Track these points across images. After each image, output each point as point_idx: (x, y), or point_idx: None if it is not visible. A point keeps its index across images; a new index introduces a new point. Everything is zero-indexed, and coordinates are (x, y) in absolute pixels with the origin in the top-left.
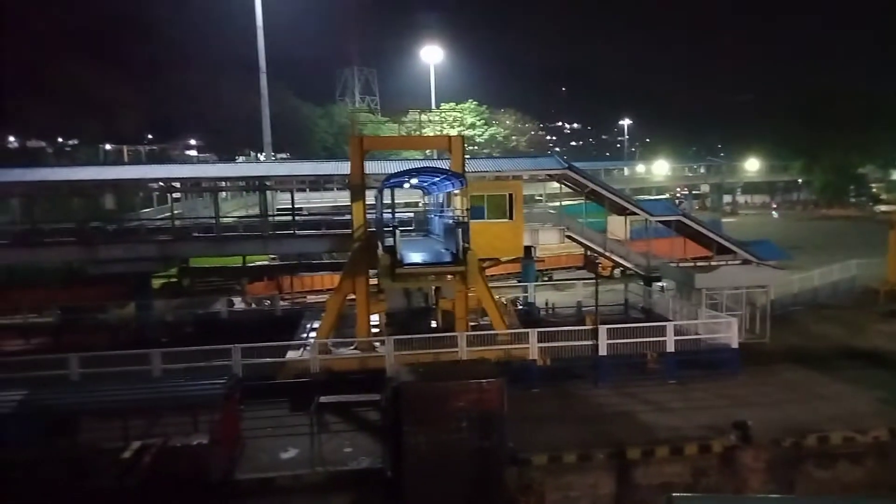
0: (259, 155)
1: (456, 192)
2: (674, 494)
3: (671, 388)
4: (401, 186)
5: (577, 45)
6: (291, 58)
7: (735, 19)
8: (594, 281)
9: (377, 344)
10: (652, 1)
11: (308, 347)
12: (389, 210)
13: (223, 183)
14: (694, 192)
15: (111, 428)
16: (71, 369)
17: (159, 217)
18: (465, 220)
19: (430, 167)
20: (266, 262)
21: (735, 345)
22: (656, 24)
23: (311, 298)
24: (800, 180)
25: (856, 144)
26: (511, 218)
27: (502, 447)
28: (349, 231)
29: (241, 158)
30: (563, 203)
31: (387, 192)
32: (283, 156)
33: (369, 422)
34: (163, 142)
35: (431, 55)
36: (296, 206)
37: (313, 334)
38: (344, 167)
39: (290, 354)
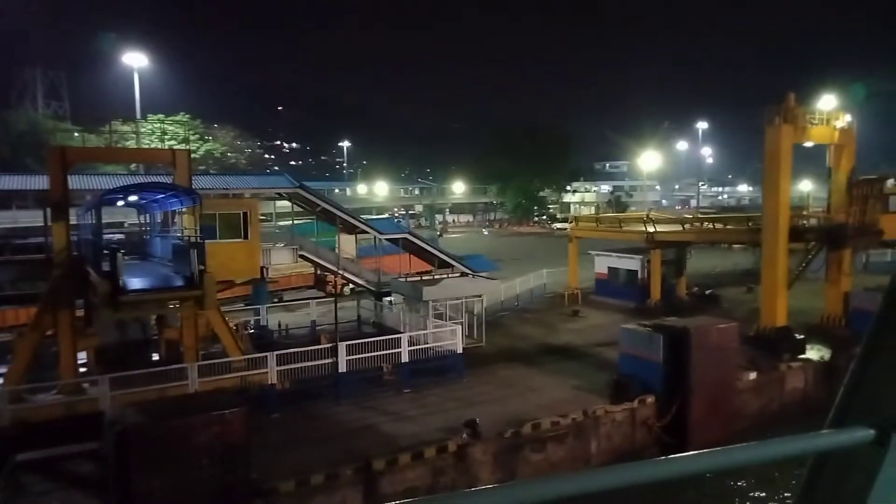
0: None
1: (183, 210)
2: None
3: (407, 397)
4: (113, 204)
5: (294, 66)
6: None
7: (441, 51)
8: (332, 299)
9: (86, 385)
10: (377, 28)
11: None
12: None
13: None
14: (410, 211)
15: None
16: None
17: None
18: (200, 240)
19: (157, 182)
20: None
21: (460, 350)
22: (379, 51)
23: None
24: (494, 202)
25: (537, 172)
26: (246, 237)
27: (247, 480)
28: (42, 256)
29: None
30: (294, 223)
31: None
32: None
33: (83, 476)
34: None
35: (134, 60)
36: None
37: None
38: (36, 181)
39: None
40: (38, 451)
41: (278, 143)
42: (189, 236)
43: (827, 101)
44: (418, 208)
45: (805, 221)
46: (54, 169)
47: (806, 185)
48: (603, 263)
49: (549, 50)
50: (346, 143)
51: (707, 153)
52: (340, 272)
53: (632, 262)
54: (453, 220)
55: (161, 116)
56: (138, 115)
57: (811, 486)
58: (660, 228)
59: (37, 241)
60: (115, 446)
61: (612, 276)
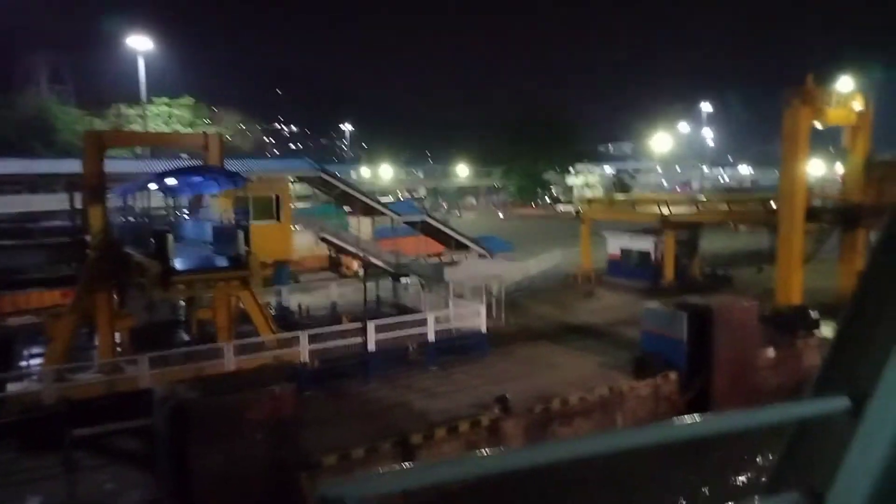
0: None
1: (216, 193)
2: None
3: (434, 375)
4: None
5: (293, 48)
6: None
7: (440, 34)
8: (350, 281)
9: (124, 364)
10: (376, 10)
11: (35, 377)
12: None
13: None
14: (414, 194)
15: None
16: None
17: None
18: (246, 222)
19: (203, 166)
20: None
21: (484, 329)
22: (378, 34)
23: (22, 320)
24: (498, 184)
25: (541, 154)
26: (278, 219)
27: (297, 454)
28: (69, 239)
29: None
30: (311, 206)
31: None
32: None
33: (130, 451)
34: None
35: (139, 43)
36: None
37: (36, 361)
38: (66, 165)
39: (12, 387)
40: (92, 428)
41: (278, 126)
42: (231, 218)
43: (844, 83)
44: (422, 191)
45: (821, 202)
46: (90, 153)
47: (817, 166)
48: (616, 244)
49: (552, 32)
50: (347, 126)
51: (708, 135)
52: (360, 253)
53: (645, 243)
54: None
55: (166, 100)
56: (143, 99)
57: (790, 453)
58: (673, 210)
59: (61, 224)
60: (170, 421)
61: (624, 256)
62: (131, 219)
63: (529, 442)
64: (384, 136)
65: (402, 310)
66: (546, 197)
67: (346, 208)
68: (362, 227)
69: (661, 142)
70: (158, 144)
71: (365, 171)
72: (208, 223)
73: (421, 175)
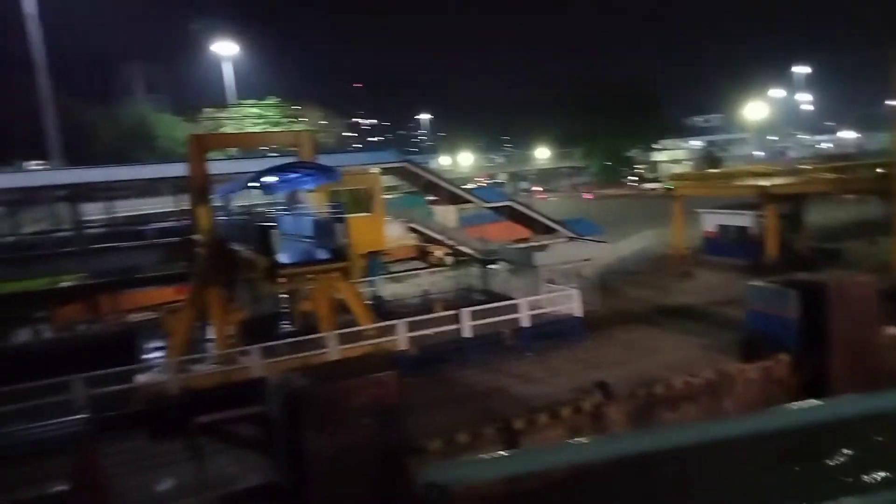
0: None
1: (310, 188)
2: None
3: (530, 361)
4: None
5: (368, 43)
6: (58, 53)
7: (518, 18)
8: (440, 270)
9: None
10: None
11: (159, 369)
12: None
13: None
14: (494, 180)
15: None
16: None
17: None
18: (343, 215)
19: (302, 162)
20: (72, 283)
21: (580, 314)
22: (446, 22)
23: (140, 317)
24: (579, 165)
25: (623, 131)
26: (371, 211)
27: (402, 439)
28: (179, 239)
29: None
30: (396, 196)
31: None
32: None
33: (247, 437)
34: None
35: (225, 49)
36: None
37: (155, 354)
38: (169, 169)
39: (140, 378)
40: (213, 415)
41: (356, 120)
42: (329, 212)
43: None
44: (501, 177)
45: None
46: (195, 155)
47: None
48: (712, 221)
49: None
50: (426, 116)
51: (804, 100)
52: (449, 241)
53: (744, 219)
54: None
55: (252, 101)
56: (231, 102)
57: None
58: (775, 182)
59: (169, 225)
60: (286, 408)
61: (721, 233)
62: (233, 217)
63: (633, 427)
64: (461, 124)
65: (492, 296)
66: (630, 176)
67: (428, 197)
68: (447, 215)
69: (755, 110)
70: (254, 145)
71: (444, 160)
72: (307, 218)
73: (500, 160)
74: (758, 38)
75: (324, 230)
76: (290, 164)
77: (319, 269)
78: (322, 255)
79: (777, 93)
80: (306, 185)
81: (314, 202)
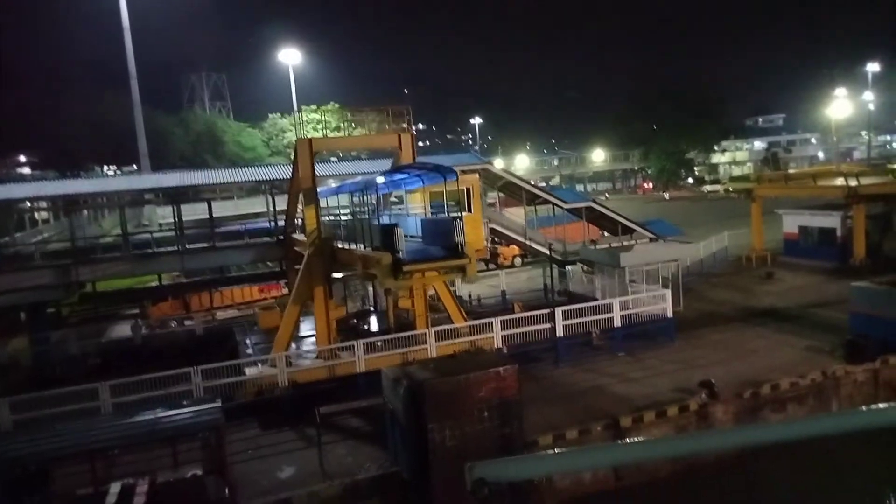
0: (113, 169)
1: (412, 189)
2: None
3: (623, 360)
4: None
5: (414, 49)
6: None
7: (571, 21)
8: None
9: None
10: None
11: (267, 362)
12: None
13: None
14: (550, 183)
15: (85, 472)
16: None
17: (55, 239)
18: (459, 215)
19: (420, 163)
20: (172, 281)
21: (670, 314)
22: (495, 27)
23: (228, 314)
24: (636, 167)
25: (682, 132)
26: (470, 211)
27: (521, 432)
28: (272, 239)
29: (110, 171)
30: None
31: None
32: (128, 168)
33: (361, 428)
34: None
35: (290, 57)
36: (183, 217)
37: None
38: (274, 172)
39: (249, 371)
40: (337, 405)
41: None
42: (447, 212)
43: None
44: (555, 180)
45: None
46: (304, 158)
47: None
48: (793, 222)
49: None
50: (477, 120)
51: (869, 99)
52: (528, 243)
53: (829, 220)
54: (592, 189)
55: (314, 107)
56: (294, 109)
57: None
58: (863, 181)
59: (266, 225)
60: (408, 400)
61: (803, 235)
62: (335, 217)
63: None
64: (515, 128)
65: (571, 296)
66: (690, 178)
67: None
68: (519, 216)
69: (836, 109)
70: (358, 147)
71: (498, 163)
72: (414, 217)
73: (555, 163)
74: (826, 35)
75: (438, 229)
76: (402, 165)
77: (439, 267)
78: (438, 252)
79: (841, 92)
80: (414, 185)
81: (418, 202)
